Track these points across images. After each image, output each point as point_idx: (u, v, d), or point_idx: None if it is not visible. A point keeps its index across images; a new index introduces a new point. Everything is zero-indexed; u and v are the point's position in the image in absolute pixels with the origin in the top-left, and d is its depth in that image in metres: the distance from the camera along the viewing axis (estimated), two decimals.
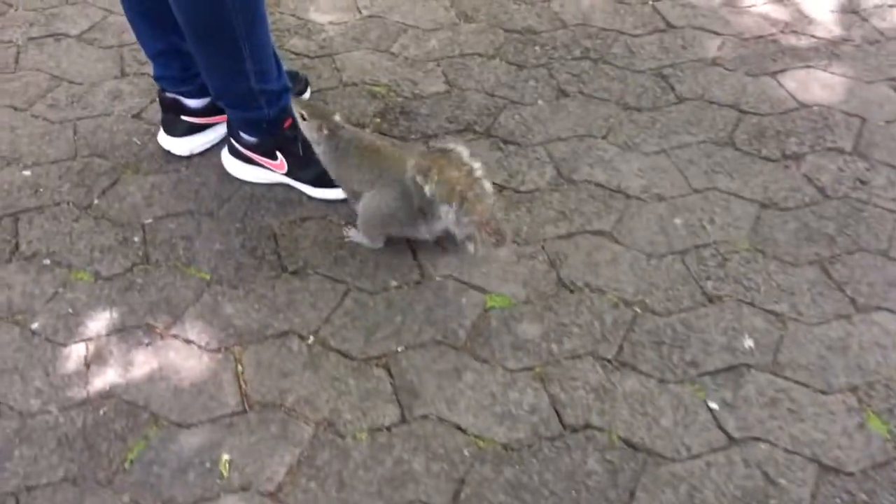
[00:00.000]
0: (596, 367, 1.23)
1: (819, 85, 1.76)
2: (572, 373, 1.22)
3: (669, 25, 1.91)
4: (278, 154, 1.47)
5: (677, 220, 1.47)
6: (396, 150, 1.40)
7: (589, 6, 1.97)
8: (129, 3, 1.41)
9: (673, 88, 1.74)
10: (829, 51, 1.85)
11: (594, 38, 1.87)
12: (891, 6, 2.01)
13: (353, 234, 1.42)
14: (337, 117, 1.38)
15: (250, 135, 1.46)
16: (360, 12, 1.98)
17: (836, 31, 1.92)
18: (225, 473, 1.10)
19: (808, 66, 1.80)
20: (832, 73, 1.79)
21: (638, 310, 1.31)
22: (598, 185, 1.54)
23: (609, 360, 1.24)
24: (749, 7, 1.98)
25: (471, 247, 1.32)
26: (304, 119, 1.37)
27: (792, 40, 1.88)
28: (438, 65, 1.81)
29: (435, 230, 1.36)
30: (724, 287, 1.35)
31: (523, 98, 1.72)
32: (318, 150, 1.40)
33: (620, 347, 1.26)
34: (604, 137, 1.63)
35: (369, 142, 1.38)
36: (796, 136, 1.64)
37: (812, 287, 1.35)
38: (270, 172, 1.51)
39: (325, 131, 1.36)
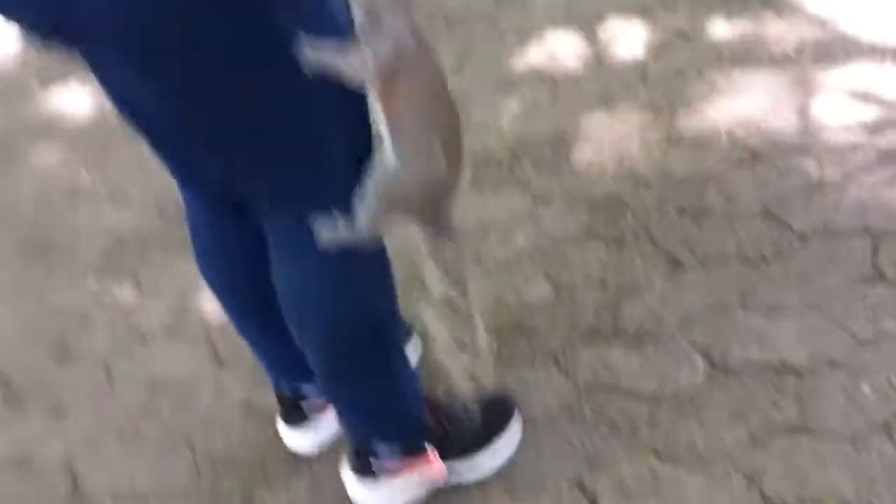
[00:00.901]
0: None
1: None
2: None
3: (755, 156, 1.80)
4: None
5: (865, 388, 1.33)
6: None
7: (661, 153, 1.88)
8: (245, 326, 1.32)
9: (790, 227, 1.62)
10: None
11: (683, 189, 1.77)
12: None
13: None
14: None
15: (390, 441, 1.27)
16: None
17: None
18: None
19: None
20: None
21: None
22: (760, 366, 1.40)
23: None
24: (830, 116, 1.86)
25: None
26: None
27: (887, 141, 1.76)
28: (534, 262, 1.71)
29: None
30: None
31: (637, 281, 1.60)
32: None
33: None
34: (742, 306, 1.50)
35: None
36: None
37: None
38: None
39: None
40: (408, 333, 1.55)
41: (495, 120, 2.07)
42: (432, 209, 1.02)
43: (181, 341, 1.76)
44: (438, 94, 0.94)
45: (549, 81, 2.15)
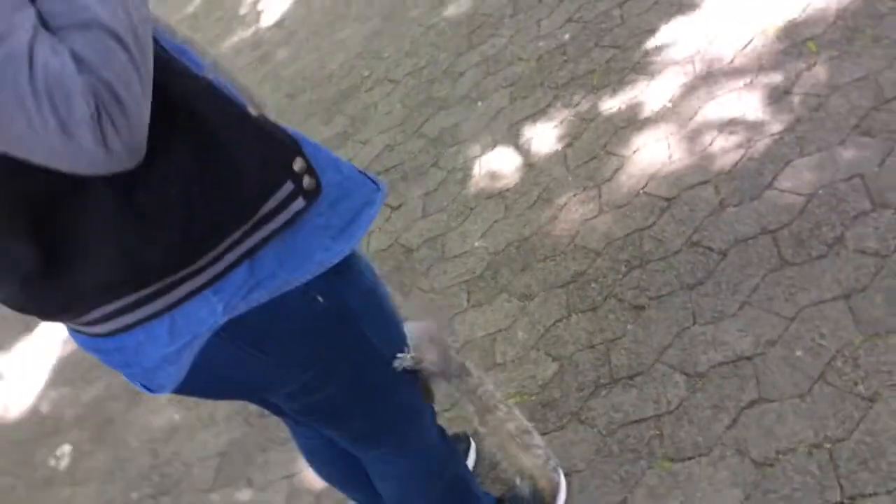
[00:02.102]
0: None
1: None
2: None
3: (668, 200, 2.25)
4: None
5: (798, 353, 1.74)
6: None
7: (599, 224, 2.33)
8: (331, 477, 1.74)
9: (710, 248, 2.06)
10: None
11: (624, 248, 2.21)
12: None
13: None
14: None
15: None
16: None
17: None
18: None
19: None
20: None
21: None
22: (722, 364, 1.81)
23: None
24: (712, 147, 2.32)
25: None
26: None
27: (761, 152, 2.21)
28: (537, 349, 2.15)
29: None
30: None
31: (615, 333, 2.03)
32: None
33: None
34: (695, 323, 1.93)
35: None
36: None
37: None
38: None
39: None
40: (467, 444, 2.00)
41: (468, 245, 2.54)
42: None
43: None
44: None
45: (497, 198, 2.63)
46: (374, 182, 1.20)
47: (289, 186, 1.04)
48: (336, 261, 1.11)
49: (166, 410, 2.77)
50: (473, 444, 2.01)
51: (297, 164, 1.06)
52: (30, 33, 0.76)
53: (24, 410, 3.31)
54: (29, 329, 3.69)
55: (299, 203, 1.05)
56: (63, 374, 3.33)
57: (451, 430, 2.02)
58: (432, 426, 1.49)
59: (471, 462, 1.99)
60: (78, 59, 0.77)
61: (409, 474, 1.48)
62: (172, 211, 0.96)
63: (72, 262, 0.95)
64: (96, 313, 1.01)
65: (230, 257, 1.02)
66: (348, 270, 1.15)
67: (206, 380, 1.11)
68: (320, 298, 1.12)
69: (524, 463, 1.69)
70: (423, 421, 1.45)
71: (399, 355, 1.31)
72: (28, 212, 0.91)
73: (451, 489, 1.56)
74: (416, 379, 1.39)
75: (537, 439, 1.71)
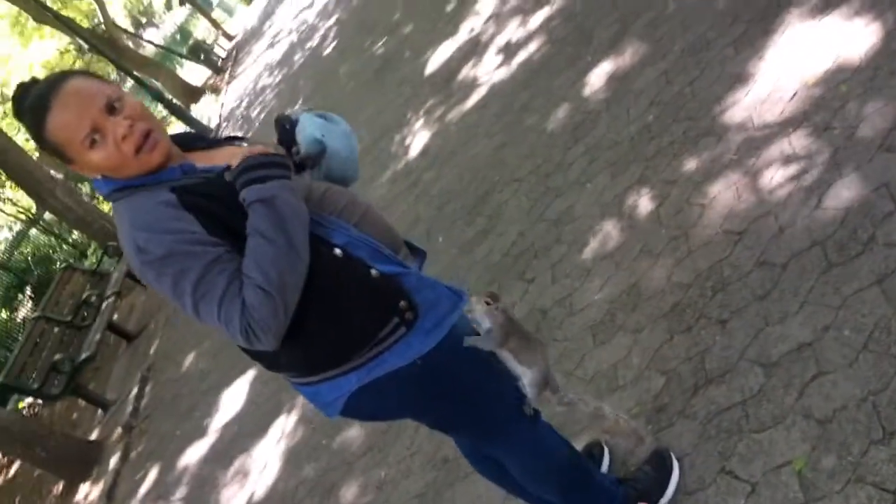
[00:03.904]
0: None
1: None
2: None
3: (739, 233, 2.73)
4: None
5: (846, 332, 2.16)
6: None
7: (688, 261, 2.83)
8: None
9: (775, 264, 2.51)
10: None
11: (710, 278, 2.70)
12: None
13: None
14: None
15: None
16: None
17: None
18: None
19: None
20: None
21: None
22: (788, 354, 2.26)
23: None
24: (763, 183, 2.80)
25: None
26: (488, 304, 1.82)
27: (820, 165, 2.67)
28: (649, 368, 2.65)
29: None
30: None
31: (707, 343, 2.51)
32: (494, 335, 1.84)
33: None
34: (768, 324, 2.38)
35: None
36: None
37: None
38: None
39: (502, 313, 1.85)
40: (600, 450, 2.51)
41: (590, 299, 3.11)
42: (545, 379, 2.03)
43: None
44: (523, 333, 1.98)
45: (608, 258, 3.20)
46: (457, 293, 1.79)
47: (394, 321, 1.69)
48: (425, 350, 1.72)
49: (374, 471, 3.45)
50: (606, 450, 2.52)
51: (401, 304, 1.69)
52: (224, 284, 1.54)
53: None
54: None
55: (402, 330, 1.70)
56: (291, 454, 4.12)
57: (582, 439, 2.56)
58: (531, 421, 2.02)
59: (605, 466, 2.49)
60: (245, 306, 1.55)
61: (527, 457, 2.03)
62: (300, 351, 1.70)
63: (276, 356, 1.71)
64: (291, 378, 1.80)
65: (356, 364, 1.71)
66: (442, 345, 1.75)
67: (358, 414, 1.87)
68: (419, 362, 1.73)
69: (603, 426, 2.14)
70: (521, 422, 1.99)
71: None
72: None
73: (567, 463, 2.10)
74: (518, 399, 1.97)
75: (607, 409, 2.16)
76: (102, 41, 17.02)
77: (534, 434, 2.04)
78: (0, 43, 20.34)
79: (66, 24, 14.99)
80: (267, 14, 22.67)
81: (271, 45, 17.04)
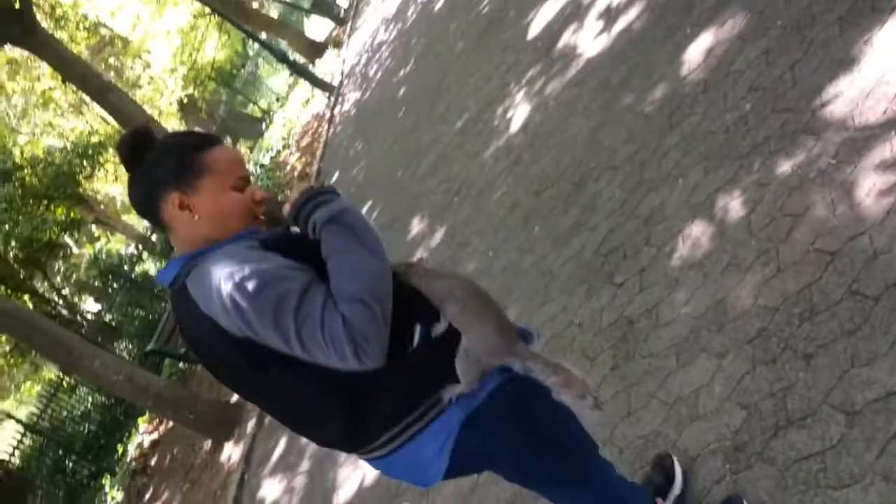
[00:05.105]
0: None
1: None
2: None
3: (831, 254, 2.54)
4: None
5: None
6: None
7: (776, 281, 2.67)
8: None
9: (867, 296, 2.33)
10: None
11: (798, 303, 2.54)
12: None
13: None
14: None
15: None
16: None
17: None
18: None
19: None
20: None
21: None
22: (876, 400, 2.10)
23: None
24: (860, 196, 2.57)
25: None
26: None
27: None
28: (731, 401, 2.54)
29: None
30: None
31: (790, 379, 2.38)
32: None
33: None
34: (851, 366, 2.22)
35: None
36: None
37: None
38: None
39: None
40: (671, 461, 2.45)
41: (676, 312, 3.00)
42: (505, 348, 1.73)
43: None
44: (483, 302, 1.71)
45: (697, 267, 3.06)
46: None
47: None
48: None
49: None
50: (675, 459, 2.47)
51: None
52: (321, 302, 1.55)
53: None
54: None
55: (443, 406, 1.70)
56: None
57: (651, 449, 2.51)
58: (606, 471, 2.01)
59: (678, 473, 2.43)
60: (345, 321, 1.54)
61: None
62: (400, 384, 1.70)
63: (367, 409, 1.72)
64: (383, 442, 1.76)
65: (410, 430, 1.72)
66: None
67: (463, 461, 1.77)
68: (509, 385, 1.72)
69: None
70: (595, 471, 1.98)
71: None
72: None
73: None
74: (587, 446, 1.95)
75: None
76: (231, 7, 17.56)
77: (611, 484, 2.03)
78: (137, 9, 21.40)
79: None
80: None
81: None
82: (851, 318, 2.33)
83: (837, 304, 2.40)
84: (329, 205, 1.68)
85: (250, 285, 1.57)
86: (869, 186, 2.57)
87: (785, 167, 2.97)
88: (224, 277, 1.60)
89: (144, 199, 1.75)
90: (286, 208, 1.72)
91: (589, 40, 5.48)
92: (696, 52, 4.10)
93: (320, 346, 1.54)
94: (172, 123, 20.26)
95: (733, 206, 3.10)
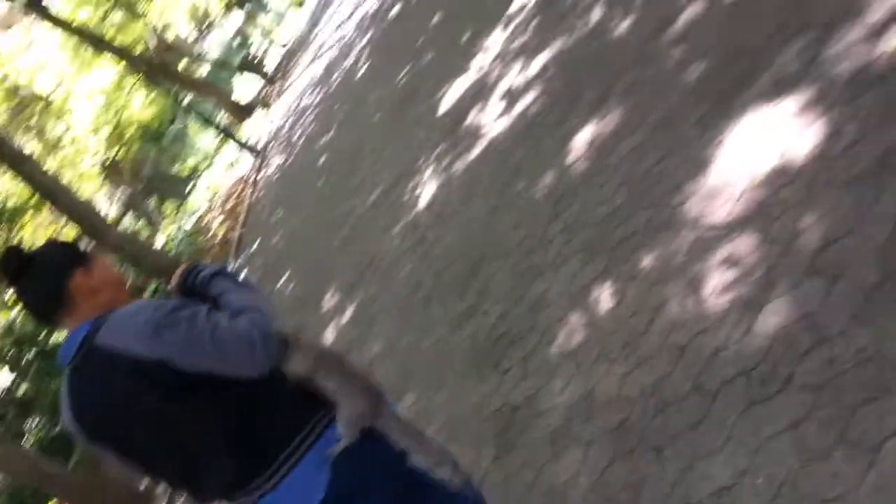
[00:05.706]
0: None
1: None
2: None
3: (681, 348, 2.74)
4: None
5: None
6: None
7: (638, 372, 2.86)
8: None
9: (708, 391, 2.53)
10: None
11: (655, 395, 2.73)
12: None
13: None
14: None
15: None
16: None
17: None
18: None
19: None
20: None
21: None
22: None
23: None
24: (707, 290, 2.80)
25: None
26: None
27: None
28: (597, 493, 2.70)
29: None
30: None
31: (647, 474, 2.55)
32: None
33: None
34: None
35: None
36: None
37: None
38: None
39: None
40: None
41: (553, 401, 3.16)
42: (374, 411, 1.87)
43: None
44: (342, 365, 1.90)
45: (570, 358, 3.24)
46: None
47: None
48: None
49: None
50: None
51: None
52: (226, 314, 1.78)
53: None
54: None
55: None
56: None
57: None
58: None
59: None
60: (249, 321, 1.75)
61: None
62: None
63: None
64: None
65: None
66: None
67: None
68: None
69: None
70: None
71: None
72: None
73: None
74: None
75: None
76: (157, 67, 17.59)
77: None
78: (61, 68, 21.19)
79: (122, 55, 15.58)
80: (314, 20, 22.99)
81: (315, 59, 17.32)
82: (696, 411, 2.52)
83: (685, 398, 2.60)
84: (210, 267, 1.99)
85: (168, 307, 1.83)
86: (713, 284, 2.79)
87: (648, 261, 3.19)
88: (142, 308, 1.86)
89: (52, 288, 1.91)
90: (173, 280, 2.00)
91: (491, 121, 5.75)
92: (580, 142, 4.36)
93: (236, 336, 1.74)
94: (93, 186, 20.02)
95: (604, 297, 3.30)
